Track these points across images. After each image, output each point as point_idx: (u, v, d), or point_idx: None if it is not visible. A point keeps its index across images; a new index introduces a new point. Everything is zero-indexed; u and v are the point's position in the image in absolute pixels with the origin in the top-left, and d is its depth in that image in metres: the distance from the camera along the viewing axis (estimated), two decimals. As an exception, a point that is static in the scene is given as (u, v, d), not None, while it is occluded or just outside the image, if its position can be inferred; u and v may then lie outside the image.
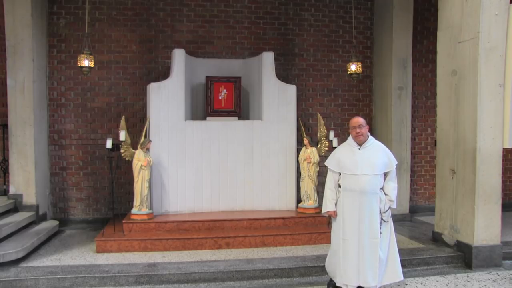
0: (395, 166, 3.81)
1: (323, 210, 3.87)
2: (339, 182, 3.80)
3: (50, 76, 6.52)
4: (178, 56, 6.02)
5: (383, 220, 3.70)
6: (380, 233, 3.67)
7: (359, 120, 3.75)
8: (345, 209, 3.71)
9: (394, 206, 3.79)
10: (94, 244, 5.12)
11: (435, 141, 6.01)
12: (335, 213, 3.79)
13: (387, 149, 3.85)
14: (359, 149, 3.75)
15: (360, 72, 6.24)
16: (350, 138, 3.84)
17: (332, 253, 3.89)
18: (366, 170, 3.64)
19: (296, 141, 6.29)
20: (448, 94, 5.07)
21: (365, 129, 3.74)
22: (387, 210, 3.73)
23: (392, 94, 6.73)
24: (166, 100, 5.92)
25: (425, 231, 5.97)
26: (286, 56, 7.07)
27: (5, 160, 6.26)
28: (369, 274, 3.63)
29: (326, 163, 3.94)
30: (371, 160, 3.67)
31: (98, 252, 5.02)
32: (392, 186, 3.78)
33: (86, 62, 5.38)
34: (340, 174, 3.79)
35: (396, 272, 3.80)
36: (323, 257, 4.34)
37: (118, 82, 6.68)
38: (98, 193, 6.66)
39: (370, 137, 3.81)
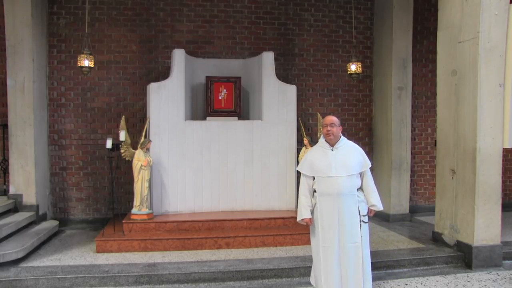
0: (370, 165, 3.67)
1: (298, 218, 3.67)
2: (314, 187, 3.62)
3: (50, 76, 6.52)
4: (178, 56, 6.02)
5: (363, 221, 3.54)
6: (361, 236, 3.51)
7: (332, 119, 3.61)
8: (324, 215, 3.52)
9: (381, 208, 3.65)
10: (94, 244, 5.12)
11: (435, 141, 6.01)
12: (311, 220, 3.61)
13: (360, 149, 3.72)
14: (332, 149, 3.60)
15: (360, 72, 6.25)
16: (321, 140, 3.70)
17: (314, 264, 3.71)
18: (341, 171, 3.49)
19: (296, 141, 6.29)
20: (448, 94, 5.07)
21: (336, 129, 3.58)
22: (366, 214, 3.59)
23: (392, 94, 6.73)
24: (166, 100, 5.92)
25: (425, 231, 5.97)
26: (286, 56, 7.07)
27: (5, 160, 6.26)
28: (351, 281, 3.46)
29: (298, 168, 3.76)
30: (345, 161, 3.53)
31: (98, 252, 5.02)
32: (371, 188, 3.63)
33: (86, 62, 5.38)
34: (314, 179, 3.61)
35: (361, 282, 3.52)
36: (323, 257, 4.34)
37: (118, 82, 6.68)
38: (98, 193, 6.66)
39: (342, 137, 3.67)
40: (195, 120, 6.29)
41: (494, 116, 4.65)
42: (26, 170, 5.86)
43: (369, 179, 3.67)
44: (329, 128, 3.57)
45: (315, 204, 3.61)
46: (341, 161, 3.53)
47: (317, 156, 3.64)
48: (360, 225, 3.52)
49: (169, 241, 5.13)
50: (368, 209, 3.64)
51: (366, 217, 3.59)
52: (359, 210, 3.54)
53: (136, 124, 6.65)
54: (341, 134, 3.67)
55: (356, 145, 3.75)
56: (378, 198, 3.65)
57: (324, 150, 3.63)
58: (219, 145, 6.14)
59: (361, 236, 3.51)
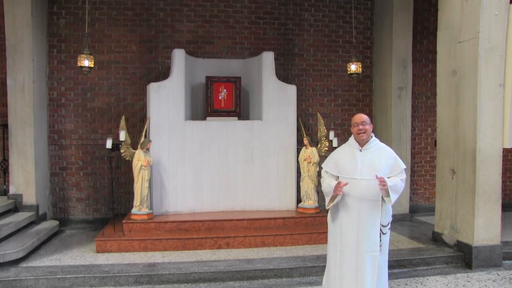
0: (404, 167, 3.37)
1: (329, 197, 3.32)
2: None
3: (50, 76, 6.52)
4: (178, 56, 6.02)
5: (382, 232, 3.32)
6: (380, 245, 3.31)
7: (362, 117, 3.36)
8: (343, 218, 3.34)
9: (392, 198, 3.22)
10: (94, 244, 5.12)
11: (435, 141, 6.01)
12: (340, 183, 3.24)
13: (392, 152, 3.42)
14: (360, 150, 3.35)
15: (360, 72, 6.24)
16: (351, 139, 3.45)
17: (328, 269, 3.54)
18: (366, 174, 3.24)
19: (296, 141, 6.29)
20: (448, 94, 5.07)
21: (368, 127, 3.34)
22: (387, 225, 3.37)
23: (392, 94, 6.73)
24: (166, 100, 5.92)
25: (425, 231, 5.97)
26: (286, 56, 7.07)
27: (5, 160, 6.26)
28: None
29: (323, 165, 3.57)
30: (372, 163, 3.27)
31: (98, 252, 5.02)
32: (398, 178, 3.29)
33: (86, 62, 5.38)
34: (338, 179, 3.39)
35: None
36: (323, 257, 4.34)
37: (118, 82, 6.68)
38: (98, 193, 6.66)
39: (374, 138, 3.41)
40: (195, 120, 6.29)
41: (494, 116, 4.65)
42: (26, 170, 5.85)
43: (398, 177, 3.31)
44: (360, 127, 3.32)
45: (336, 205, 3.39)
46: (369, 163, 3.28)
47: (344, 155, 3.42)
48: (380, 235, 3.31)
49: (169, 241, 5.13)
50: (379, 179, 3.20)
51: (387, 228, 3.37)
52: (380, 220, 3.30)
53: (136, 124, 6.65)
54: (372, 134, 3.42)
55: (389, 148, 3.45)
56: (394, 186, 3.23)
57: (352, 150, 3.39)
58: (219, 145, 6.14)
59: (381, 246, 3.31)
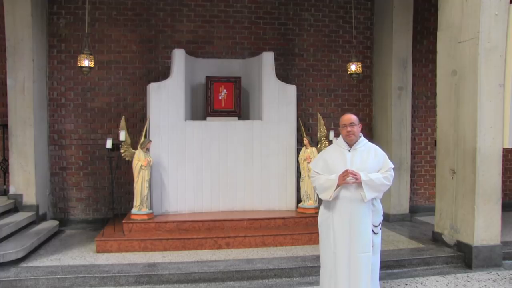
0: (392, 167, 3.35)
1: (330, 190, 3.25)
2: None
3: (50, 76, 6.52)
4: (178, 56, 6.02)
5: (374, 232, 3.31)
6: (372, 246, 3.30)
7: (351, 118, 3.35)
8: (335, 219, 3.32)
9: (367, 194, 3.18)
10: (94, 244, 5.11)
11: (435, 141, 6.01)
12: (346, 172, 3.18)
13: (381, 152, 3.42)
14: (349, 150, 3.35)
15: (360, 72, 6.24)
16: (340, 139, 3.45)
17: (323, 271, 3.50)
18: None
19: (296, 141, 6.29)
20: (448, 94, 5.07)
21: (357, 128, 3.34)
22: (379, 225, 3.36)
23: (392, 94, 6.73)
24: (166, 100, 5.92)
25: (425, 231, 5.97)
26: (286, 56, 7.07)
27: (5, 160, 6.26)
28: None
29: (311, 165, 3.55)
30: (362, 163, 3.27)
31: (98, 252, 5.02)
32: (379, 174, 3.27)
33: (86, 62, 5.37)
34: None
35: None
36: (323, 257, 4.33)
37: (118, 82, 6.68)
38: (98, 193, 6.66)
39: (362, 138, 3.41)
40: (195, 120, 6.29)
41: (494, 116, 4.65)
42: (26, 170, 5.85)
43: (382, 173, 3.29)
44: (349, 128, 3.32)
45: (328, 207, 3.40)
46: (358, 163, 3.27)
47: (333, 155, 3.41)
48: (372, 234, 3.30)
49: (169, 241, 5.13)
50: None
51: (378, 228, 3.36)
52: (372, 220, 3.30)
53: (136, 124, 6.65)
54: (361, 134, 3.43)
55: (378, 148, 3.45)
56: (370, 181, 3.20)
57: (341, 150, 3.39)
58: (219, 145, 6.14)
59: (372, 246, 3.30)
